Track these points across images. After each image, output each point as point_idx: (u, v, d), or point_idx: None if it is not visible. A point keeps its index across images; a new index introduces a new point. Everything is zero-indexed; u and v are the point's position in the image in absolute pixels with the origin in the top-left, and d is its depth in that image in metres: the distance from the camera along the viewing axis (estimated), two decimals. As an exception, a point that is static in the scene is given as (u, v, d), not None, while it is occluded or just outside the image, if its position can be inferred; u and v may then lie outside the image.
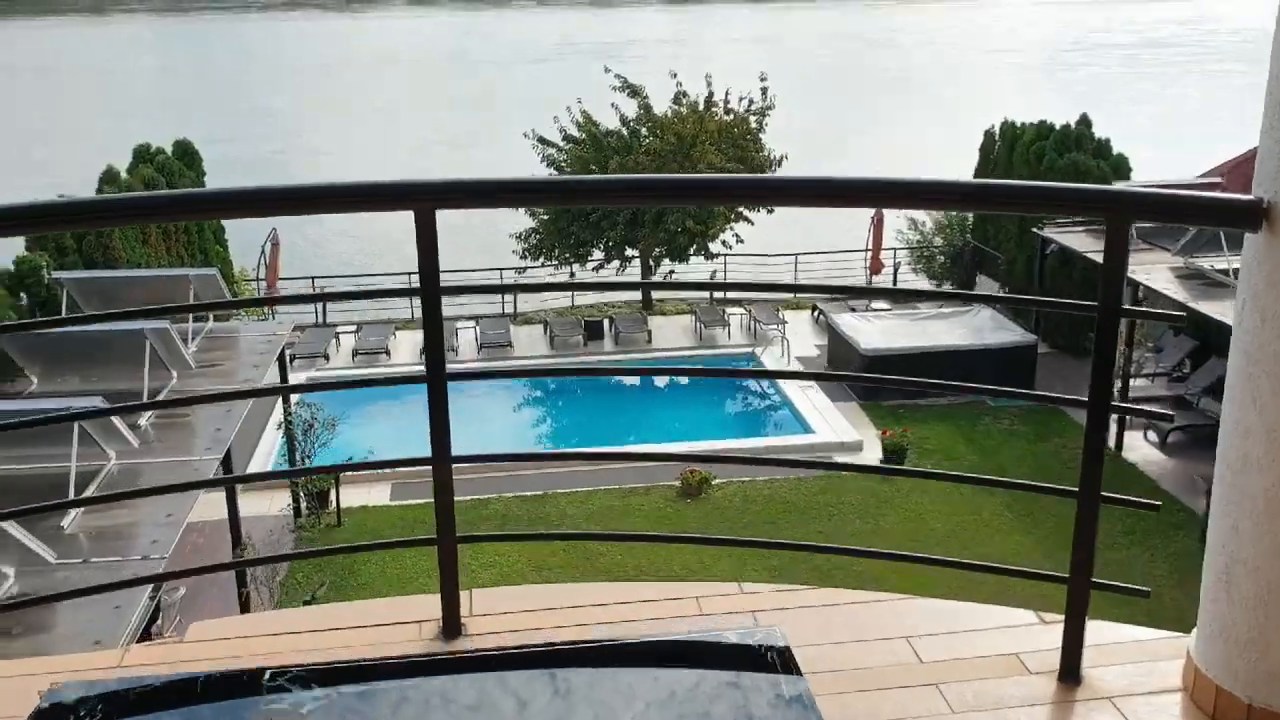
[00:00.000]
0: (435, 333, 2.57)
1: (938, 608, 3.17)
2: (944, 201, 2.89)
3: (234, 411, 12.85)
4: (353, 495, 17.23)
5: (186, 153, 21.67)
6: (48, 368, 12.75)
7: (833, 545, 3.52)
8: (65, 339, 12.48)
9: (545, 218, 25.35)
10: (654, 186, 2.98)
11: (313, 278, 26.18)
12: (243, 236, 26.98)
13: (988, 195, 2.73)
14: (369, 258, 35.05)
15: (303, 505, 16.39)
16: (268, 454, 17.65)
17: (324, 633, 2.90)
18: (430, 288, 2.57)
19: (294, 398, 17.53)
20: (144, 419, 12.19)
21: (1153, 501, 3.00)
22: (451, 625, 2.86)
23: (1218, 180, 21.16)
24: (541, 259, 25.85)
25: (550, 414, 22.19)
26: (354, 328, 24.61)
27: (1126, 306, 2.75)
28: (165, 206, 2.92)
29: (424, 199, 2.47)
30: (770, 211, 25.62)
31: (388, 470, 17.51)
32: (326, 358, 22.99)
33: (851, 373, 20.19)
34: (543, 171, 25.75)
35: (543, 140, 25.68)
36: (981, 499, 17.09)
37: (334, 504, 16.59)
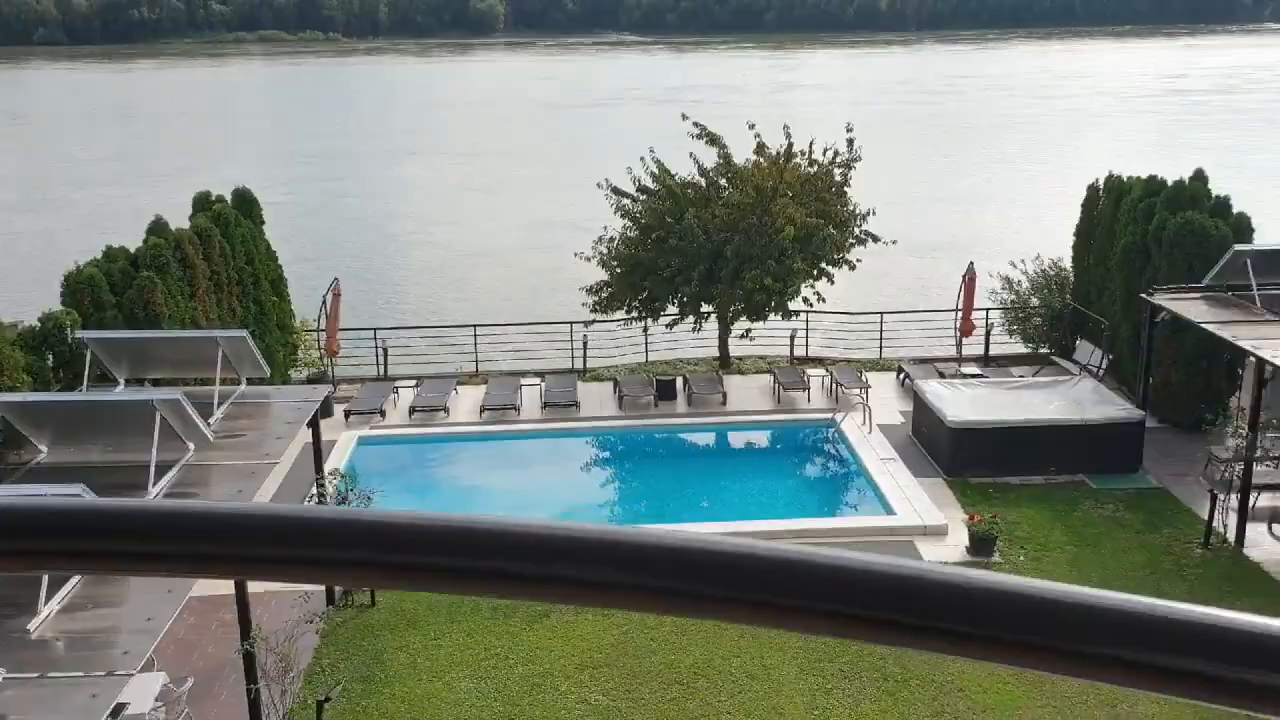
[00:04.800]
0: None
1: None
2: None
3: (248, 486, 11.83)
4: (392, 570, 16.10)
5: (245, 201, 21.06)
6: (57, 438, 11.90)
7: None
8: (73, 407, 11.62)
9: (618, 270, 24.23)
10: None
11: (375, 329, 25.40)
12: (306, 283, 26.48)
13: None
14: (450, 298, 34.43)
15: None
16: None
17: None
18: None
19: (335, 464, 16.54)
20: (155, 493, 11.22)
21: None
22: None
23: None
24: (611, 313, 24.70)
25: (608, 481, 20.90)
26: (413, 382, 23.72)
27: None
28: None
29: None
30: (852, 267, 24.18)
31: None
32: (383, 414, 22.07)
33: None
34: (616, 222, 24.69)
35: (616, 191, 24.59)
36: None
37: (370, 580, 15.46)
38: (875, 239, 24.02)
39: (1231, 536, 16.60)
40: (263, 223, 21.38)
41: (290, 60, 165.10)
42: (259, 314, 20.35)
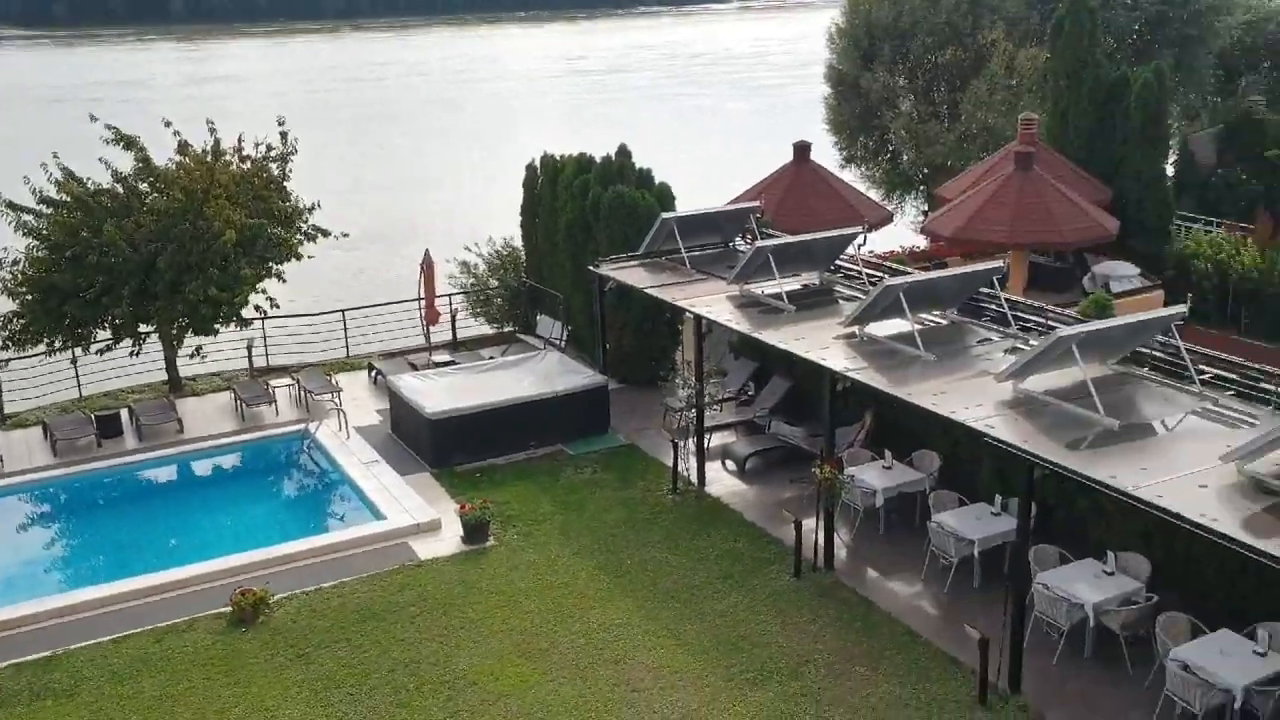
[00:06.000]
0: None
1: None
2: None
3: None
4: None
5: None
6: None
7: None
8: None
9: (30, 297, 20.95)
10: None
11: None
12: None
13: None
14: None
15: None
16: None
17: None
18: None
19: None
20: None
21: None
22: None
23: (757, 204, 21.53)
24: (29, 347, 21.36)
25: (51, 544, 18.04)
26: None
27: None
28: None
29: None
30: (300, 259, 22.95)
31: None
32: None
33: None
34: (19, 242, 21.34)
35: (12, 206, 21.17)
36: (577, 567, 15.75)
37: None
38: (325, 234, 23.04)
39: (695, 478, 18.05)
40: None
41: None
42: None
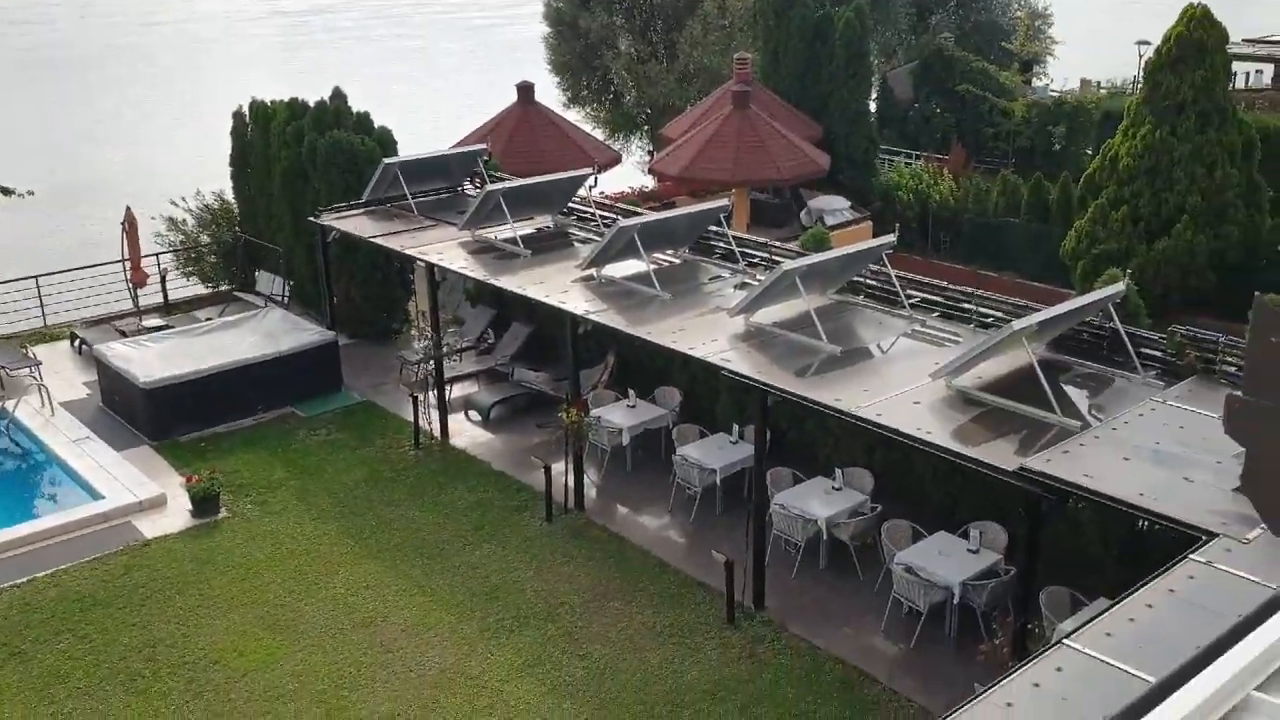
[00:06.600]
0: None
1: None
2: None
3: None
4: None
5: None
6: None
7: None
8: None
9: None
10: None
11: None
12: None
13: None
14: None
15: None
16: None
17: None
18: None
19: None
20: None
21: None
22: None
23: (484, 147, 21.15)
24: None
25: None
26: None
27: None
28: None
29: None
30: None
31: None
32: None
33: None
34: None
35: None
36: (318, 533, 15.17)
37: None
38: (7, 192, 20.85)
39: (437, 431, 17.73)
40: None
41: None
42: None
